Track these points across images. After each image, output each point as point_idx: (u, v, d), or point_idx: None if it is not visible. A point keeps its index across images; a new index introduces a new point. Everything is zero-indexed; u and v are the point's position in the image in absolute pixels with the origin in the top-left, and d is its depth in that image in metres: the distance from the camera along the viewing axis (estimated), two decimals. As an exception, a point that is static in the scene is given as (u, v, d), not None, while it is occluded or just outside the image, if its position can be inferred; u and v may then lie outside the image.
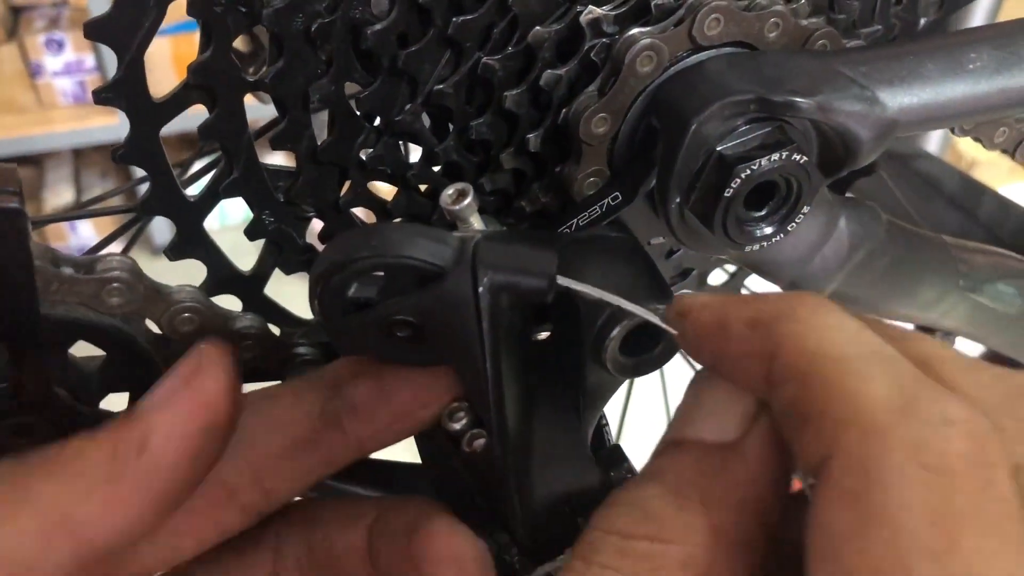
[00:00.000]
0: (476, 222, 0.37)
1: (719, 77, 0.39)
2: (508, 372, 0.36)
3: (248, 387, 0.37)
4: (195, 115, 0.44)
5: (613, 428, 0.46)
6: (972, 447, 0.25)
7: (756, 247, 0.40)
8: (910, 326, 0.63)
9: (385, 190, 0.48)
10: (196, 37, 0.42)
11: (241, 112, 0.43)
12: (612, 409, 0.47)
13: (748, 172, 0.38)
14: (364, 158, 0.45)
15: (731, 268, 0.66)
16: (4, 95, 2.92)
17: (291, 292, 0.50)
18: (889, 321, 0.43)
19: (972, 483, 0.25)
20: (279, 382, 0.44)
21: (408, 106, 0.43)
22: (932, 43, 0.40)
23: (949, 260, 0.53)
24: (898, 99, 0.39)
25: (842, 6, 0.45)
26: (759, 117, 0.38)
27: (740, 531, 0.30)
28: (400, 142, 0.45)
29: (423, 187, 0.46)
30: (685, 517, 0.30)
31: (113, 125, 2.91)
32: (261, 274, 0.48)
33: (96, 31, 0.40)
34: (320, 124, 0.46)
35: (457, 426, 0.38)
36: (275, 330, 0.46)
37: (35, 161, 3.12)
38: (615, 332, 0.37)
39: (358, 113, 0.43)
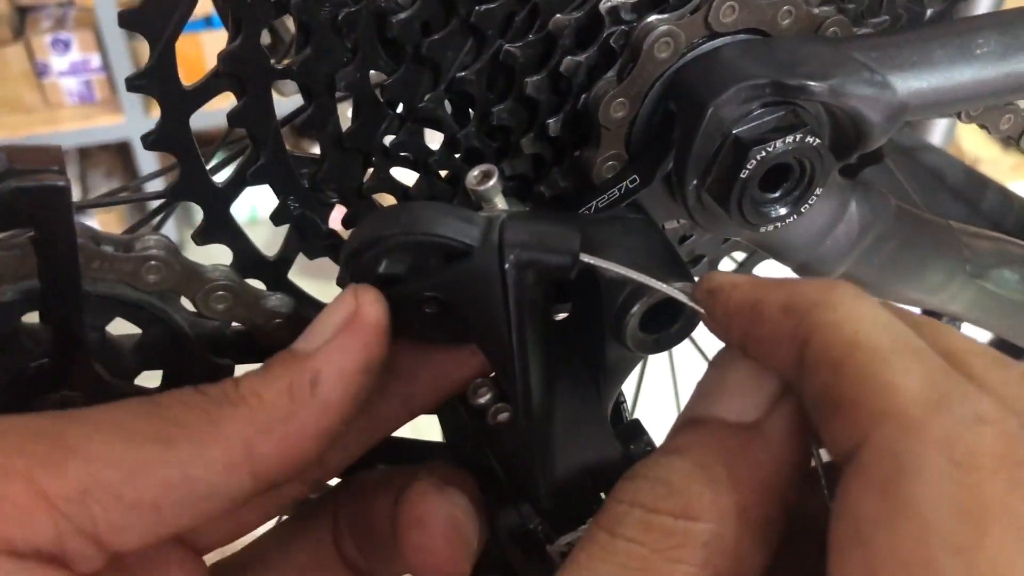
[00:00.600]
0: (500, 202, 0.38)
1: (734, 62, 0.40)
2: (532, 348, 0.37)
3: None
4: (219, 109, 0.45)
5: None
6: (1003, 446, 0.26)
7: (770, 228, 0.41)
8: (917, 310, 0.64)
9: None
10: (201, 37, 0.43)
11: (268, 100, 0.44)
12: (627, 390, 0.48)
13: (763, 154, 0.39)
14: (387, 144, 0.46)
15: (739, 257, 0.67)
16: (10, 95, 2.93)
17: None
18: (900, 305, 0.44)
19: (1001, 482, 0.25)
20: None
21: (431, 93, 0.44)
22: (941, 30, 0.42)
23: (955, 245, 0.54)
24: (908, 83, 0.40)
25: (851, -5, 0.47)
26: (773, 101, 0.39)
27: (764, 511, 0.30)
28: (423, 129, 0.46)
29: (444, 173, 0.47)
30: (712, 495, 0.30)
31: (119, 124, 2.93)
32: (285, 259, 0.50)
33: (130, 21, 0.41)
34: (343, 112, 0.47)
35: (482, 401, 0.39)
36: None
37: (41, 160, 3.13)
38: (635, 308, 0.38)
39: (382, 100, 0.45)
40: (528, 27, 0.43)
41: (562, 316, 0.45)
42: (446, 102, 0.45)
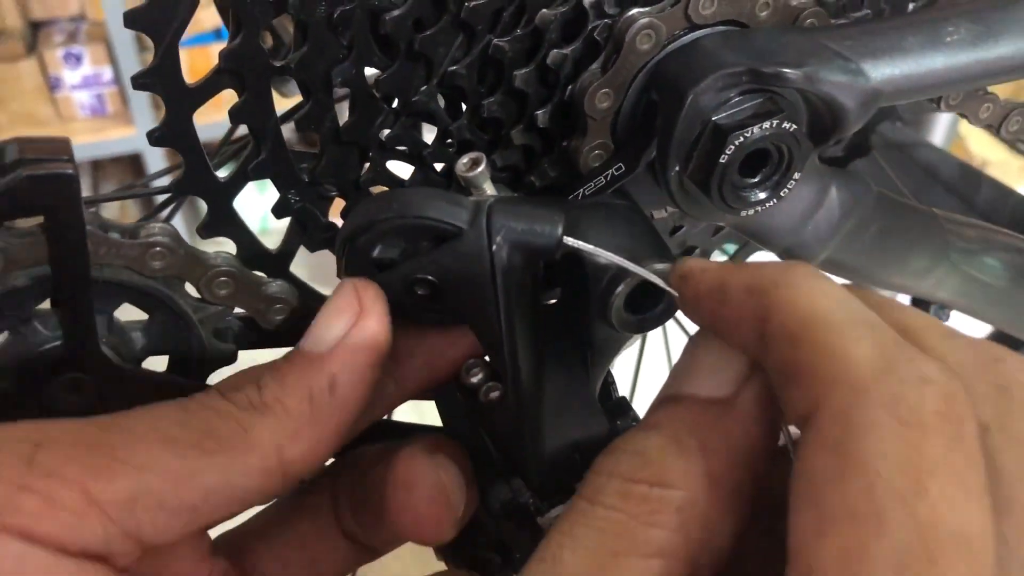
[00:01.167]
0: (489, 188, 0.40)
1: (713, 52, 0.42)
2: (521, 327, 0.38)
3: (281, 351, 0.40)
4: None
5: (625, 393, 0.48)
6: (944, 405, 0.28)
7: (751, 212, 0.43)
8: (907, 299, 0.65)
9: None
10: (210, 49, 0.45)
11: (268, 96, 0.46)
12: (624, 373, 0.50)
13: (741, 140, 0.40)
14: (383, 138, 0.48)
15: (731, 248, 0.69)
16: (24, 109, 2.97)
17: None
18: (879, 291, 0.46)
19: (942, 437, 0.27)
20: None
21: (424, 88, 0.46)
22: (913, 18, 0.43)
23: (939, 231, 0.55)
24: (880, 70, 0.42)
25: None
26: (751, 88, 0.41)
27: (733, 479, 0.32)
28: (417, 122, 0.48)
29: (438, 166, 0.49)
30: (683, 464, 0.32)
31: (130, 136, 2.96)
32: (287, 251, 0.51)
33: (135, 20, 0.43)
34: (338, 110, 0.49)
35: (474, 380, 0.41)
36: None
37: (54, 173, 3.16)
38: (619, 290, 0.40)
39: (377, 95, 0.47)
40: (516, 22, 0.44)
41: (552, 302, 0.46)
42: (439, 96, 0.47)
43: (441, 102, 0.47)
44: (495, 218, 0.37)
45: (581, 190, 0.45)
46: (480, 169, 0.39)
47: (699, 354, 0.35)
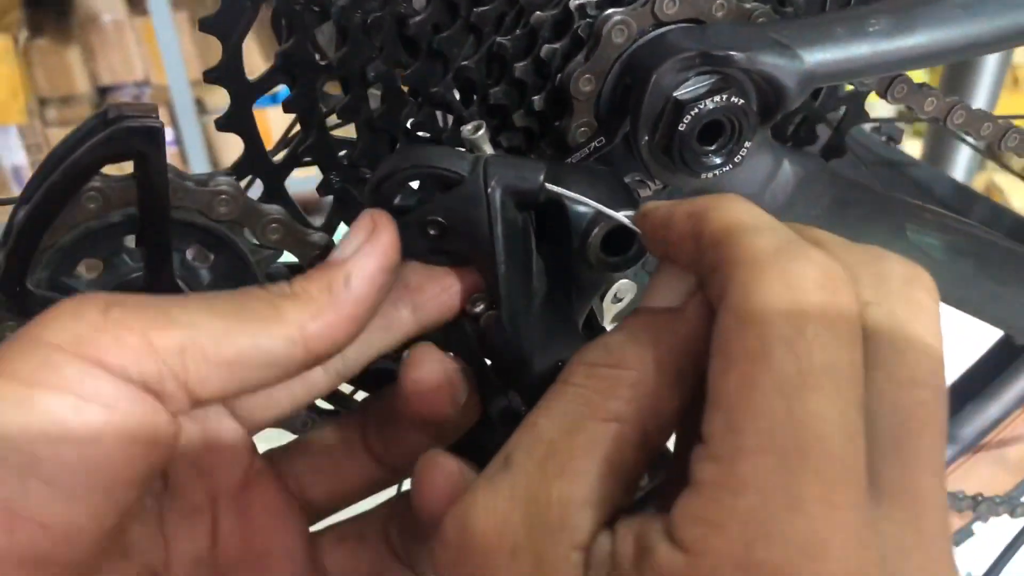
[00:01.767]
0: (488, 148, 0.49)
1: (674, 42, 0.51)
2: (512, 260, 0.47)
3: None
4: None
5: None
6: (823, 276, 0.34)
7: (710, 175, 0.52)
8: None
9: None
10: (267, 113, 0.54)
11: (314, 91, 0.55)
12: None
13: (696, 111, 0.49)
14: (409, 125, 0.56)
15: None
16: (92, 168, 3.14)
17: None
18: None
19: (819, 294, 0.34)
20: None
21: (441, 81, 0.53)
22: (844, 13, 0.52)
23: (898, 212, 0.63)
24: (814, 55, 0.50)
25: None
26: (705, 70, 0.50)
27: (677, 365, 0.39)
28: (436, 111, 0.57)
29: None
30: (637, 351, 0.39)
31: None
32: (329, 226, 0.61)
33: (207, 26, 0.52)
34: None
35: (477, 310, 0.49)
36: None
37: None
38: (595, 232, 0.48)
39: (404, 88, 0.54)
40: (515, 24, 0.52)
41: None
42: (454, 88, 0.56)
43: (456, 94, 0.55)
44: (490, 167, 0.46)
45: (569, 159, 0.54)
46: (481, 132, 0.49)
47: (657, 279, 0.43)
